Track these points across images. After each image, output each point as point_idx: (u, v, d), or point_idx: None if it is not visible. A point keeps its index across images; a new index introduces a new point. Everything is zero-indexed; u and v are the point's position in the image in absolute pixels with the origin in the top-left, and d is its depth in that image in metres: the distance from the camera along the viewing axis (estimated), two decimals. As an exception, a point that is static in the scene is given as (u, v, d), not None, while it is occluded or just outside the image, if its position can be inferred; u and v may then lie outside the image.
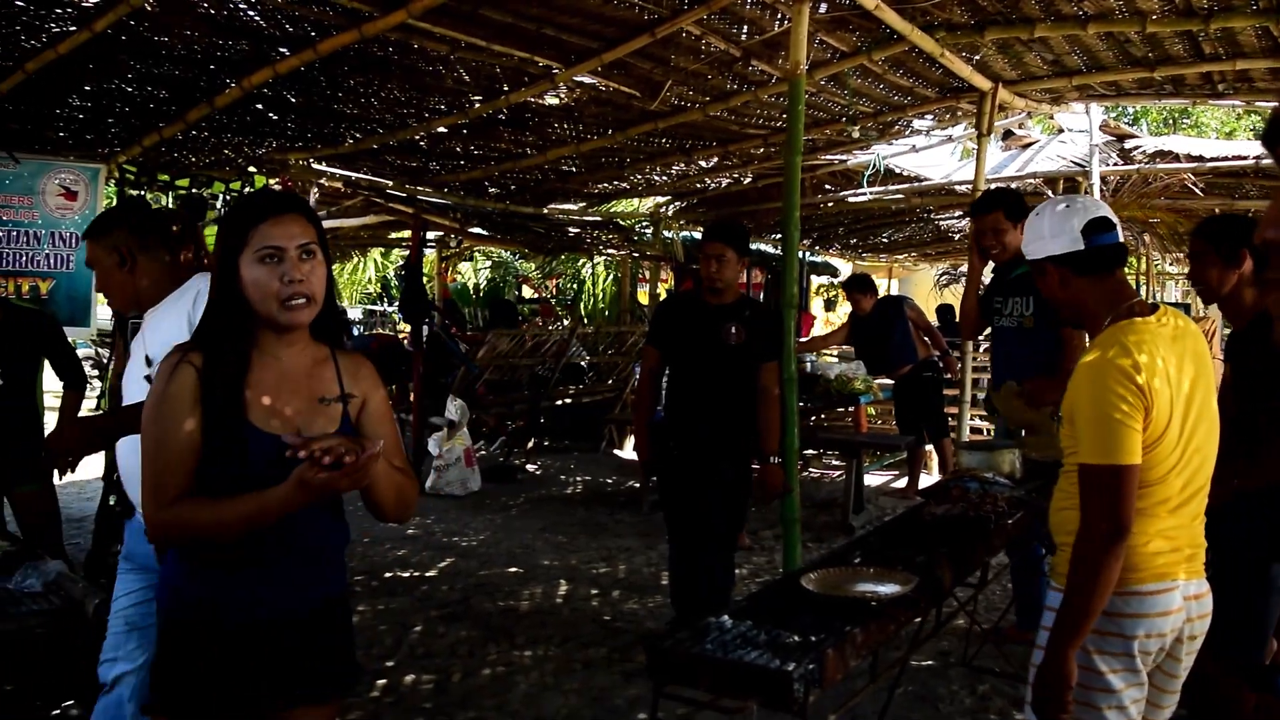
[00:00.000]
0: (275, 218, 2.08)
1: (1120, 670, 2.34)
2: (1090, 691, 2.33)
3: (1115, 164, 9.38)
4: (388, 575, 6.28)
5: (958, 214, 12.00)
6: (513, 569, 6.48)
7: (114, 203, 7.18)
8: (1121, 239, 2.54)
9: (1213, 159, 8.74)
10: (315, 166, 8.12)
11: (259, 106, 6.65)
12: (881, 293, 9.90)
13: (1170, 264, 15.32)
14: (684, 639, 2.35)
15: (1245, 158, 8.59)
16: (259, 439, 2.05)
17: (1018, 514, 3.60)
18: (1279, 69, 6.33)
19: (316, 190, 8.07)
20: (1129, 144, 9.39)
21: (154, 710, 2.16)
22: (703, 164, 9.26)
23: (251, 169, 8.38)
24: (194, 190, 8.01)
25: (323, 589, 2.22)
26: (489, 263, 19.13)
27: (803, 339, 12.73)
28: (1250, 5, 5.36)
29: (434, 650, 4.99)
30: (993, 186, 6.07)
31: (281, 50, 5.64)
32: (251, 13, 5.16)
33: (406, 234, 11.30)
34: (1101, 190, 9.26)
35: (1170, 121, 20.50)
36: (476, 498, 8.60)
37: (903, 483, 9.25)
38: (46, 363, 4.92)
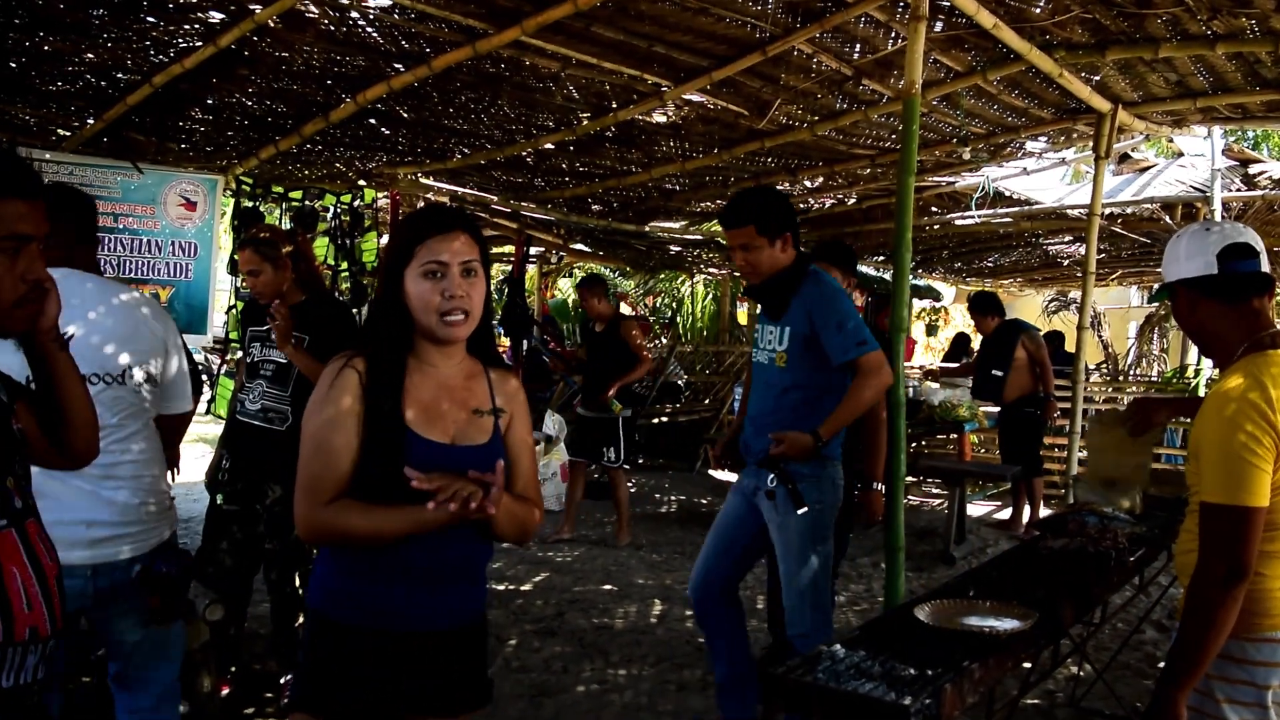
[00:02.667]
0: (443, 234, 2.16)
1: None
2: None
3: (1238, 189, 9.04)
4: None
5: (1068, 239, 11.70)
6: (607, 586, 6.46)
7: (229, 213, 7.38)
8: (1266, 268, 2.41)
9: (1344, 185, 8.37)
10: (423, 181, 8.27)
11: (372, 121, 6.79)
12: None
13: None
14: (795, 667, 2.30)
15: (1379, 184, 8.20)
16: (417, 444, 2.12)
17: (1139, 551, 3.46)
18: None
19: (423, 204, 8.21)
20: (1254, 169, 9.04)
21: (298, 706, 2.21)
22: (808, 184, 9.18)
23: (362, 182, 8.56)
24: (306, 202, 8.21)
25: (467, 605, 2.29)
26: (588, 279, 19.22)
27: (908, 363, 12.55)
28: (1393, 24, 5.11)
29: (528, 665, 4.99)
30: (744, 190, 5.55)
31: (397, 66, 5.75)
32: (370, 29, 5.26)
33: (510, 249, 11.43)
34: (1223, 216, 8.92)
35: (1293, 147, 19.70)
36: (572, 512, 8.61)
37: (1006, 514, 9.01)
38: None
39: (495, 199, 9.18)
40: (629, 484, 10.19)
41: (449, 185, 8.58)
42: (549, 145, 7.38)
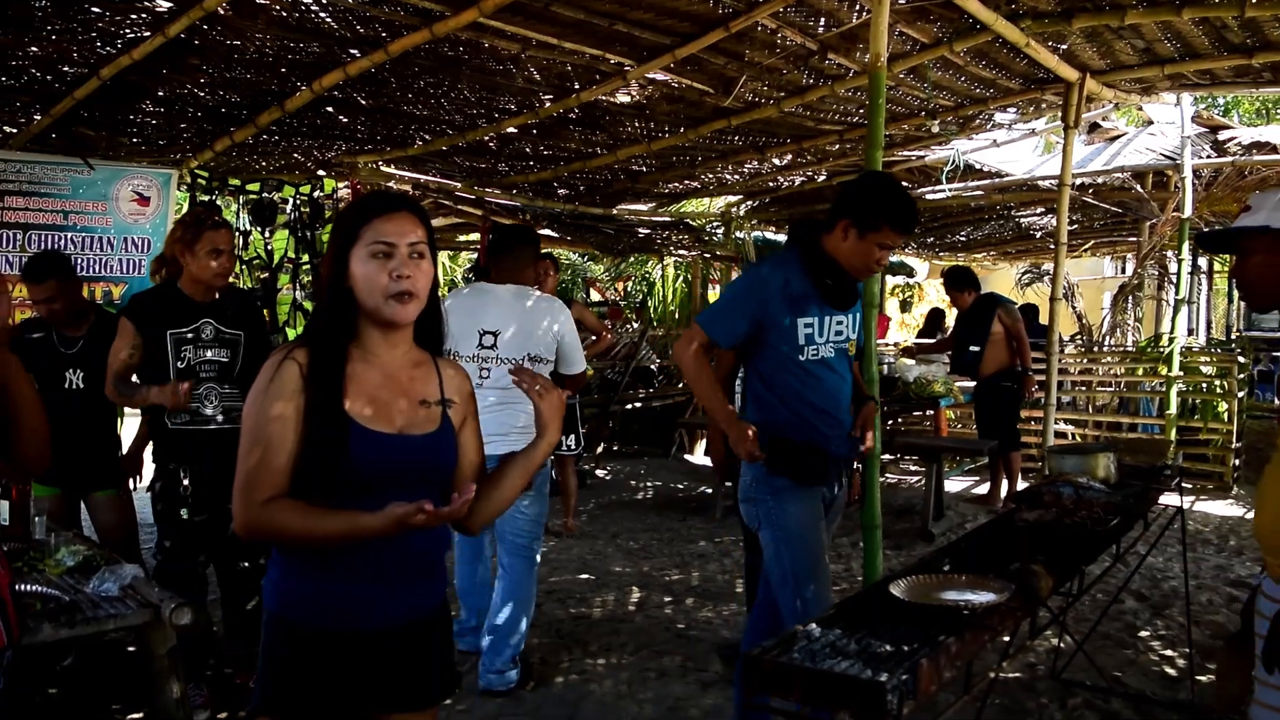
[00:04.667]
0: (389, 214, 2.12)
1: None
2: None
3: (1209, 156, 9.04)
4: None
5: (1040, 210, 11.69)
6: (584, 575, 6.40)
7: (184, 208, 7.22)
8: None
9: (1313, 150, 8.37)
10: (384, 169, 8.14)
11: (329, 109, 6.65)
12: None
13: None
14: (771, 647, 2.23)
15: (1348, 148, 8.21)
16: (361, 435, 2.05)
17: (1115, 520, 3.42)
18: (1386, 52, 6.01)
19: (413, 196, 8.09)
20: (1223, 135, 9.05)
21: (262, 712, 2.15)
22: (776, 161, 9.09)
23: (321, 172, 8.41)
24: (264, 194, 8.06)
25: (428, 596, 2.24)
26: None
27: (882, 340, 12.53)
28: (1360, -16, 5.08)
29: (505, 656, 4.91)
30: None
31: (352, 51, 5.62)
32: (323, 14, 5.13)
33: (475, 236, 11.30)
34: (1194, 184, 8.92)
35: (1264, 113, 19.76)
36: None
37: (984, 489, 9.00)
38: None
39: (459, 185, 9.05)
40: (604, 470, 10.15)
41: (411, 173, 8.45)
42: (511, 129, 7.26)
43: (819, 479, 3.57)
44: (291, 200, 8.14)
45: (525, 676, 4.58)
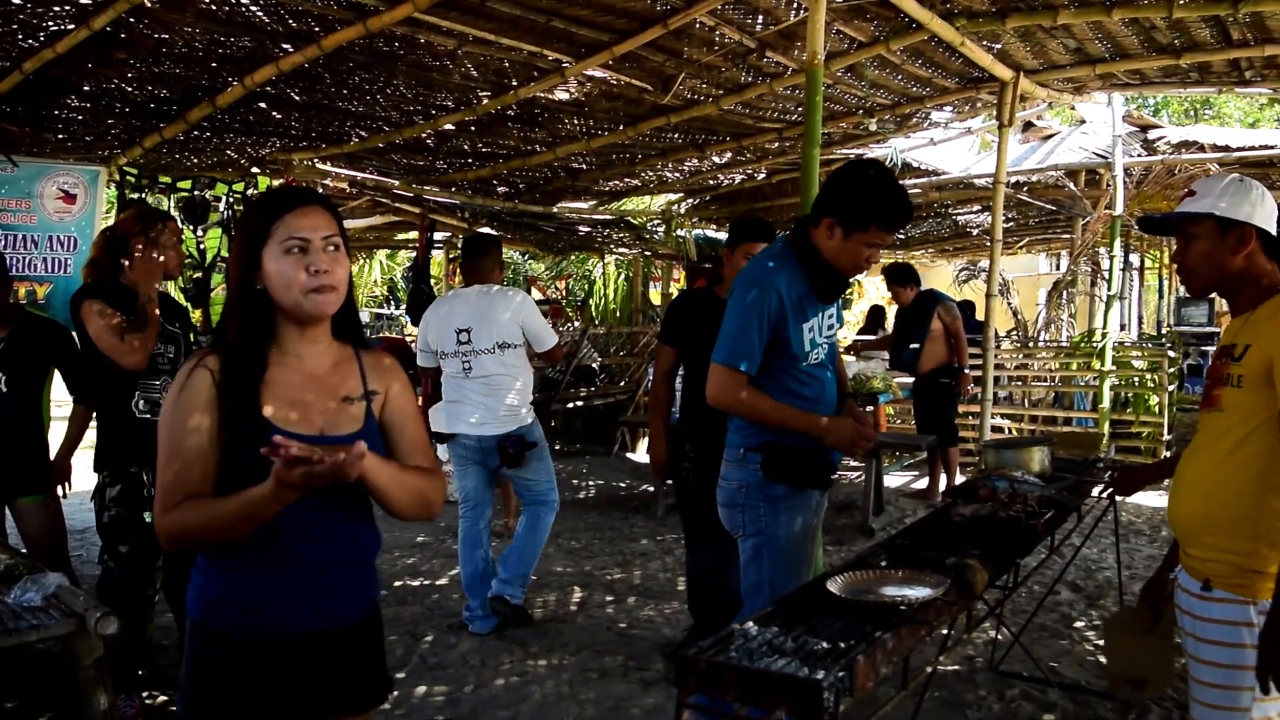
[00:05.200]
0: (300, 209, 2.06)
1: None
2: None
3: (1139, 155, 9.22)
4: (397, 584, 6.15)
5: (976, 208, 11.84)
6: (526, 575, 6.34)
7: (114, 206, 7.04)
8: None
9: (1239, 148, 8.57)
10: (320, 166, 8.02)
11: (262, 105, 6.53)
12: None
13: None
14: (708, 647, 2.22)
15: (1273, 147, 8.42)
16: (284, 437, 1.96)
17: (1049, 513, 3.45)
18: (1309, 54, 6.16)
19: (322, 190, 7.96)
20: (1153, 134, 9.25)
21: (185, 718, 2.10)
22: (716, 159, 9.11)
23: (255, 170, 8.27)
24: (196, 192, 7.90)
25: (358, 598, 2.19)
26: (497, 264, 18.98)
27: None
28: (1283, -13, 5.20)
29: (446, 661, 4.85)
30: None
31: (285, 46, 5.52)
32: (254, 8, 5.03)
33: (413, 235, 11.19)
34: (1125, 181, 9.09)
35: (1192, 112, 20.24)
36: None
37: (923, 484, 9.09)
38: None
39: (396, 183, 8.94)
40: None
41: (347, 170, 8.33)
42: (449, 126, 7.19)
43: (821, 484, 3.37)
44: (225, 198, 7.99)
45: (522, 616, 5.29)
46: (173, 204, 7.86)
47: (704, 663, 2.16)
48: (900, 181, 3.38)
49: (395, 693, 4.40)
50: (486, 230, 9.45)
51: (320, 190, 7.57)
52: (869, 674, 2.17)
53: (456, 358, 5.19)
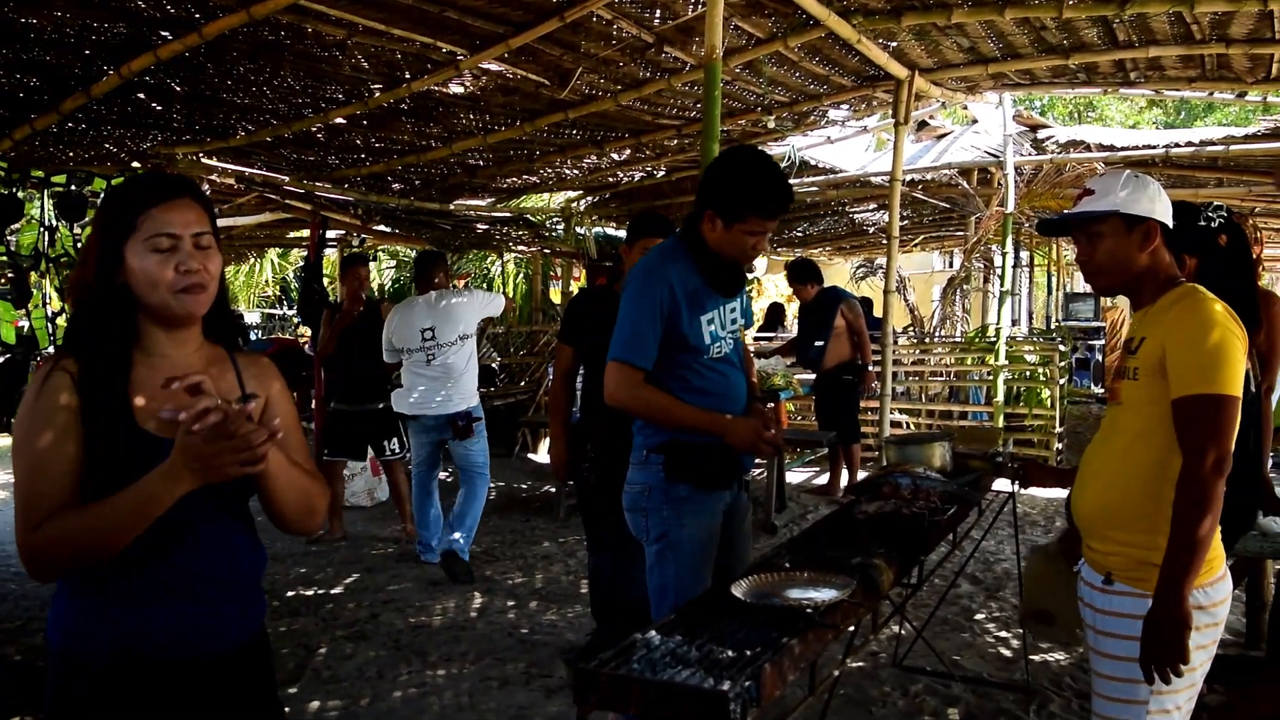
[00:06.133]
0: (169, 202, 1.88)
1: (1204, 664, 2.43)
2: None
3: (1029, 154, 9.43)
4: (289, 594, 5.92)
5: (873, 207, 11.99)
6: (424, 582, 6.17)
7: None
8: None
9: (1123, 148, 8.83)
10: (205, 161, 7.71)
11: (141, 96, 6.23)
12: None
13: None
14: (609, 659, 2.12)
15: (1155, 146, 8.68)
16: (151, 445, 1.81)
17: (951, 509, 3.45)
18: (1190, 56, 6.35)
19: (207, 187, 7.66)
20: (1042, 134, 9.48)
21: None
22: (615, 156, 9.03)
23: (135, 164, 7.91)
24: (72, 188, 7.50)
25: (242, 621, 2.01)
26: (394, 262, 18.65)
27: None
28: (1165, -11, 5.33)
29: (341, 673, 4.68)
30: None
31: (164, 34, 5.26)
32: (129, -8, 4.79)
33: (306, 233, 10.86)
34: (1016, 180, 9.28)
35: (1076, 114, 20.91)
36: (384, 508, 8.25)
37: (824, 479, 9.15)
38: None
39: (286, 179, 8.65)
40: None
41: (234, 165, 8.02)
42: (340, 120, 6.96)
43: (724, 484, 3.26)
44: (103, 194, 7.60)
45: (468, 573, 6.18)
46: (48, 200, 7.46)
47: (605, 675, 2.06)
48: (779, 166, 3.26)
49: (287, 709, 4.23)
50: (380, 227, 9.23)
51: (204, 186, 7.28)
52: (776, 682, 2.10)
53: (421, 352, 6.29)
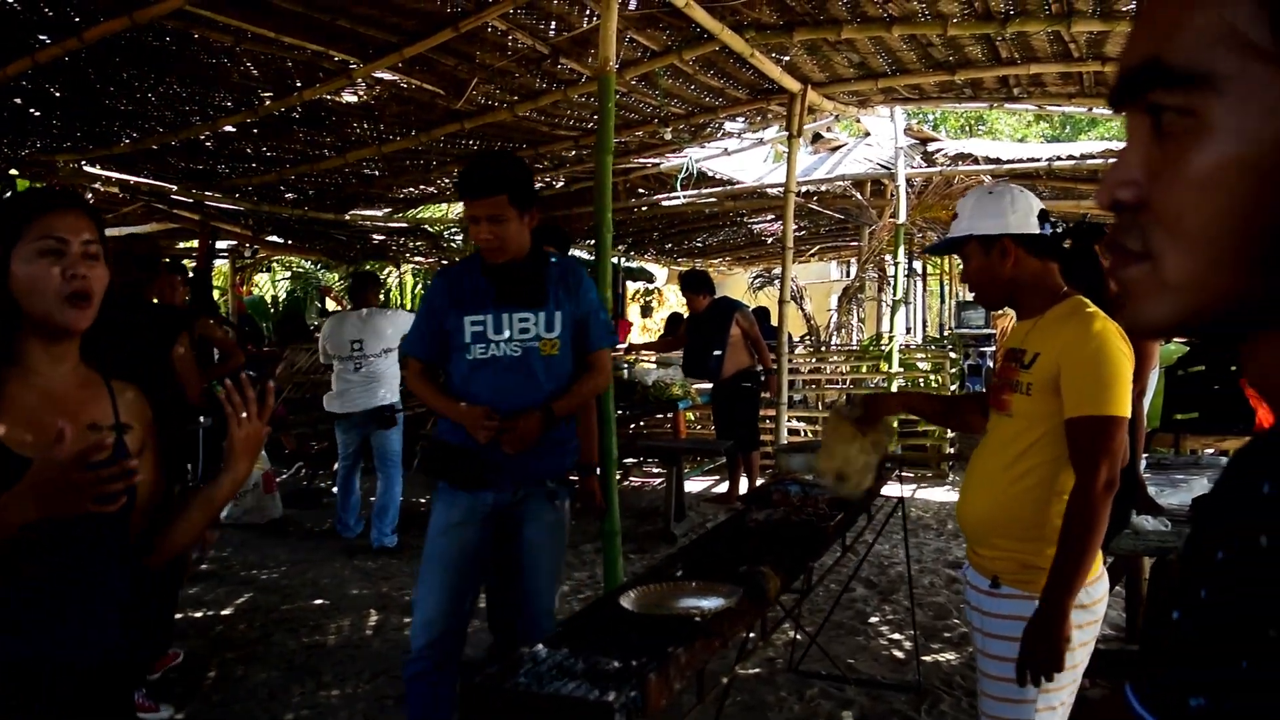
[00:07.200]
0: (59, 210, 1.86)
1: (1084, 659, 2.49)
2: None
3: (919, 166, 9.67)
4: (178, 616, 5.73)
5: (770, 217, 12.15)
6: (319, 601, 6.05)
7: None
8: None
9: (1009, 161, 9.10)
10: (88, 169, 7.47)
11: (18, 100, 6.02)
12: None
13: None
14: (495, 673, 2.11)
15: (1038, 160, 8.98)
16: (19, 467, 1.72)
17: (839, 515, 3.51)
18: (1069, 73, 6.58)
19: (91, 196, 7.41)
20: (931, 147, 9.71)
21: None
22: (514, 167, 8.99)
23: (14, 171, 7.62)
24: (-54, 196, 7.21)
25: (99, 646, 1.91)
26: (288, 273, 18.28)
27: (620, 345, 12.64)
28: (1044, 10, 5.51)
29: (232, 696, 4.56)
30: (490, 153, 6.51)
31: (42, 38, 5.10)
32: (4, -6, 4.63)
33: (195, 243, 10.59)
34: (907, 191, 9.51)
35: (967, 128, 21.52)
36: (278, 526, 8.06)
37: (723, 488, 9.23)
38: None
39: (174, 188, 8.43)
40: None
41: (119, 174, 7.78)
42: (229, 128, 6.82)
43: (470, 484, 3.36)
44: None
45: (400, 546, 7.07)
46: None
47: (489, 690, 2.05)
48: (492, 157, 3.64)
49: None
50: (272, 238, 9.04)
51: (87, 195, 7.06)
52: (662, 691, 2.11)
53: (350, 360, 7.16)
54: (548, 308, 3.38)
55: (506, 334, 3.34)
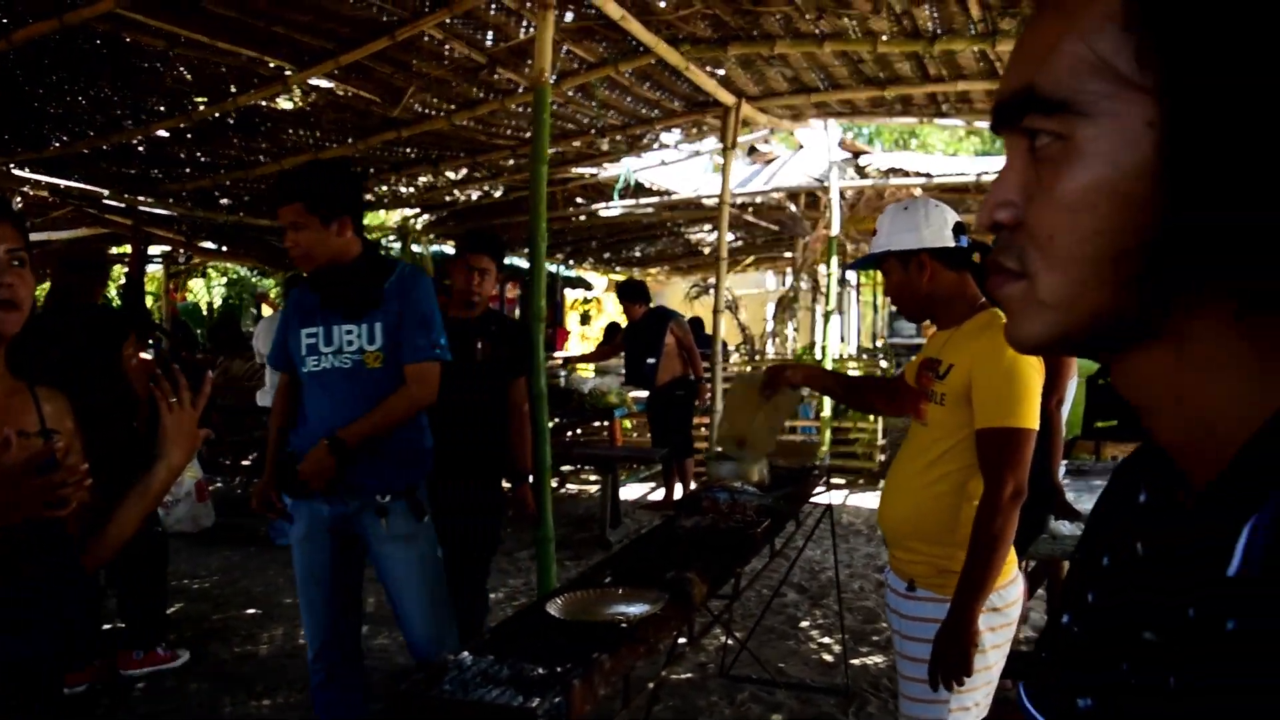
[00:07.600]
0: None
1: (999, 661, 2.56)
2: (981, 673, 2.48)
3: (852, 178, 9.83)
4: (106, 627, 5.66)
5: (707, 228, 12.27)
6: (251, 610, 6.00)
7: None
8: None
9: (939, 175, 9.30)
10: (16, 173, 7.33)
11: (-59, 103, 5.92)
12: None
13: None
14: (420, 681, 2.15)
15: (967, 174, 9.19)
16: None
17: (765, 521, 3.59)
18: (995, 91, 6.74)
19: (19, 200, 7.29)
20: (864, 160, 9.87)
21: None
22: (451, 175, 9.01)
23: (-63, 175, 7.48)
24: None
25: (20, 648, 1.90)
26: (224, 280, 18.03)
27: (559, 353, 12.67)
28: (969, 29, 5.67)
29: (161, 709, 4.51)
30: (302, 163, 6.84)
31: (-34, 39, 5.02)
32: (-74, -5, 4.56)
33: (128, 249, 10.44)
34: (840, 203, 9.67)
35: (901, 141, 21.88)
36: (210, 535, 7.96)
37: (659, 495, 9.29)
38: None
39: (106, 193, 8.30)
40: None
41: (48, 177, 7.66)
42: (162, 132, 6.75)
43: (296, 492, 3.38)
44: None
45: None
46: None
47: (415, 698, 2.09)
48: (302, 169, 3.49)
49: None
50: (206, 244, 8.96)
51: (13, 200, 6.95)
52: (586, 697, 2.15)
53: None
54: (369, 319, 3.32)
55: (335, 346, 3.31)
